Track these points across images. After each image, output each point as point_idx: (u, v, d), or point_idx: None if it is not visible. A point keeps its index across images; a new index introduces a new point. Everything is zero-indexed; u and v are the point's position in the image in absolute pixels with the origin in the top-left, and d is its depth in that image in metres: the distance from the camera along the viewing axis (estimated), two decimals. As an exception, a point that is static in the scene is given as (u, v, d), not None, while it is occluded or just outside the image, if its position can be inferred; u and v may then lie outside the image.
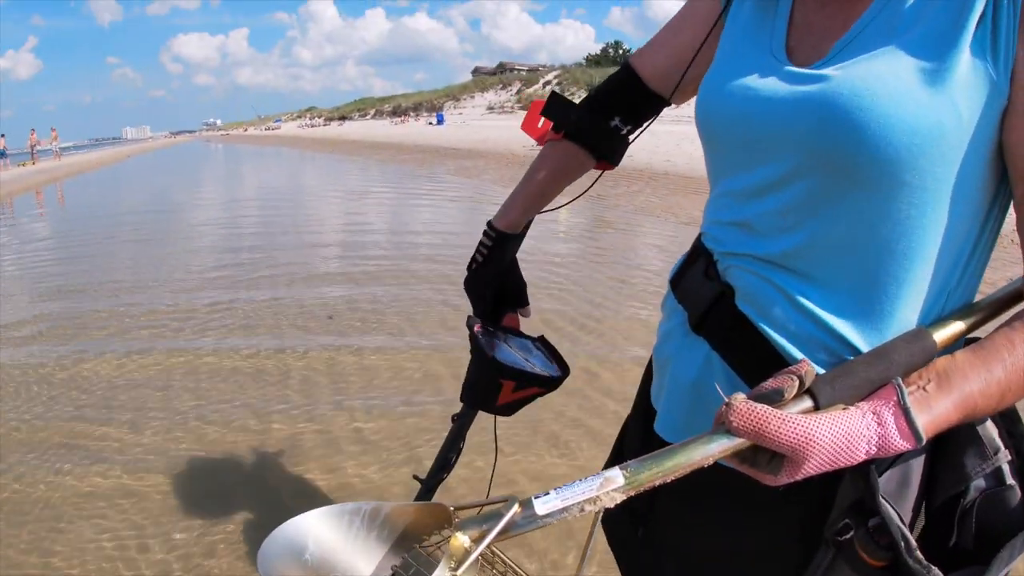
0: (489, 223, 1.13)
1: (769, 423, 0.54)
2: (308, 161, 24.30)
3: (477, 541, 0.54)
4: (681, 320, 0.82)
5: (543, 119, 1.09)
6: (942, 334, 0.65)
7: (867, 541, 0.62)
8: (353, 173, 18.25)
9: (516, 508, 0.55)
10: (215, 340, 4.11)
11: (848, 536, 0.63)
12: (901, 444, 0.57)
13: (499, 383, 1.04)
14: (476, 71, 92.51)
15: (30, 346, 4.14)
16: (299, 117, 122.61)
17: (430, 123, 50.31)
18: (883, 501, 0.61)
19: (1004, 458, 0.63)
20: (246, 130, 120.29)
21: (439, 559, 0.54)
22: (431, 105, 66.82)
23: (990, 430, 0.64)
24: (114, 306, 4.97)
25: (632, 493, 0.55)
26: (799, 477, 0.57)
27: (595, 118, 1.05)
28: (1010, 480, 0.63)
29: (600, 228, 8.40)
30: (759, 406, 0.55)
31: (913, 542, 0.61)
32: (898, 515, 0.61)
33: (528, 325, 1.21)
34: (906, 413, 0.57)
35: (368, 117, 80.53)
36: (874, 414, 0.57)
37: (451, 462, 1.32)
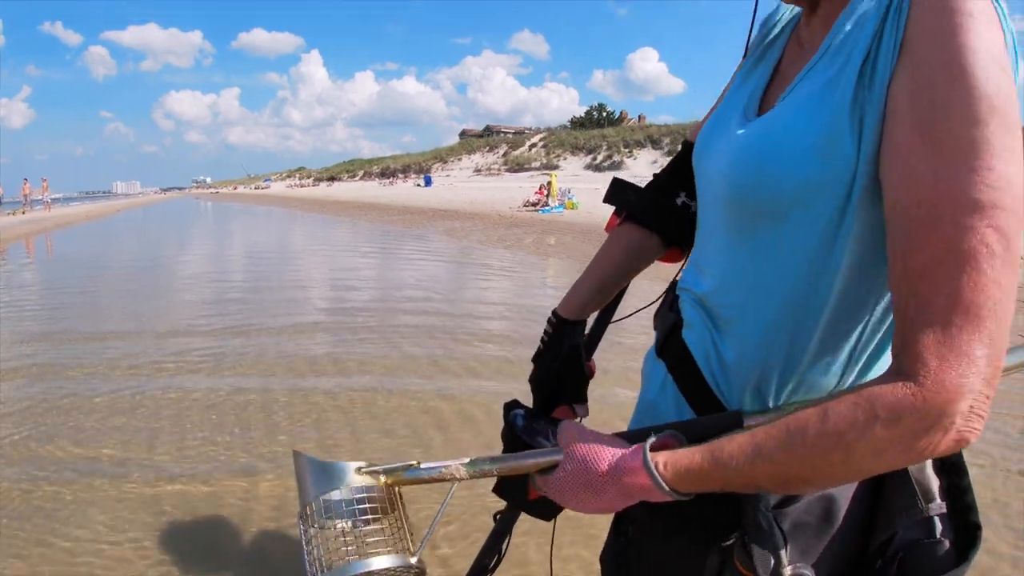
0: (553, 311, 1.08)
1: (567, 431, 0.73)
2: (297, 221, 24.44)
3: (380, 474, 0.80)
4: (654, 344, 0.91)
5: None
6: (753, 421, 0.68)
7: (741, 551, 0.67)
8: (342, 233, 18.37)
9: (413, 462, 0.81)
10: (207, 378, 4.10)
11: (729, 543, 0.68)
12: (634, 479, 0.66)
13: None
14: (463, 134, 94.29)
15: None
16: (288, 177, 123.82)
17: (418, 184, 50.94)
18: (762, 513, 0.65)
19: (937, 509, 0.66)
20: (235, 188, 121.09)
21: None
22: (419, 167, 67.75)
23: (929, 480, 0.67)
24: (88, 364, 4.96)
25: (476, 476, 0.77)
26: (558, 481, 0.71)
27: (657, 196, 1.02)
28: (939, 533, 0.66)
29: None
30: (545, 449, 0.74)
31: (784, 559, 0.65)
32: (781, 531, 0.66)
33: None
34: (643, 447, 0.66)
35: (357, 178, 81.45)
36: (628, 449, 0.68)
37: (489, 567, 1.12)
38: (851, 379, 0.70)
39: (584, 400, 1.06)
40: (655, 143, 44.70)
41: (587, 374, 1.04)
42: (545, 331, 1.07)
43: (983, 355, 0.55)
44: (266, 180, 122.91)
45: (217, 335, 5.67)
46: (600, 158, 46.76)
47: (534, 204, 22.68)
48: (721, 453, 0.62)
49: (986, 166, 0.55)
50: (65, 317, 6.56)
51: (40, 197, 39.34)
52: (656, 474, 0.63)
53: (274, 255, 13.26)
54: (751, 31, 0.88)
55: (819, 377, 0.70)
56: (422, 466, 0.80)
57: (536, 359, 1.07)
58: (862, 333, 0.68)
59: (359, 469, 0.80)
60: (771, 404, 0.72)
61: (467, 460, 0.78)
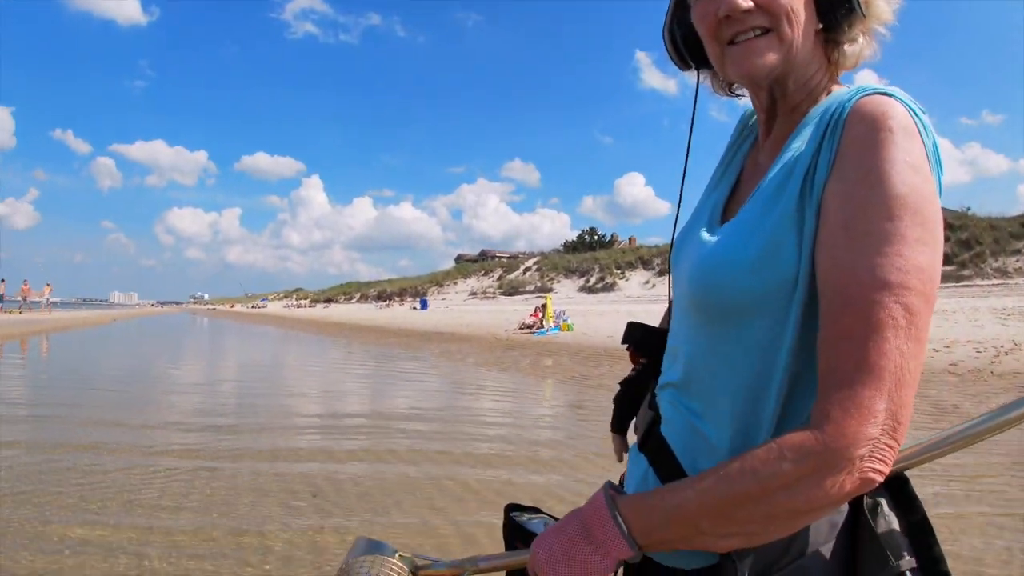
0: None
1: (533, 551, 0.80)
2: (294, 341, 24.47)
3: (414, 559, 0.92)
4: (636, 441, 0.98)
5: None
6: None
7: None
8: (339, 354, 18.37)
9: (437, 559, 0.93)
10: (190, 516, 4.03)
11: None
12: (595, 503, 0.77)
13: (517, 548, 1.00)
14: (459, 258, 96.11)
15: None
16: (285, 297, 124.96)
17: (414, 307, 51.48)
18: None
19: (907, 565, 0.73)
20: (232, 306, 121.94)
21: None
22: (415, 290, 68.60)
23: (898, 539, 0.74)
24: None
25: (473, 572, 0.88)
26: (534, 556, 0.78)
27: (657, 331, 1.08)
28: None
29: (583, 408, 8.49)
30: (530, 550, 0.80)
31: None
32: None
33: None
34: (604, 489, 0.77)
35: (354, 300, 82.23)
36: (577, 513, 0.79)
37: None
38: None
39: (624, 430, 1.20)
40: (646, 264, 45.61)
41: None
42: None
43: (882, 409, 0.66)
44: (263, 299, 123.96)
45: (210, 455, 5.60)
46: (593, 280, 47.53)
47: (529, 326, 22.88)
48: (670, 494, 0.74)
49: (896, 252, 0.67)
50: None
51: (39, 299, 39.68)
52: (611, 502, 0.76)
53: (273, 375, 13.22)
54: (691, 131, 1.01)
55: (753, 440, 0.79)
56: (446, 560, 0.91)
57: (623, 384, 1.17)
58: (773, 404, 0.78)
59: (399, 554, 0.91)
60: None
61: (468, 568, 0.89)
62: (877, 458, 0.66)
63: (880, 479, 0.67)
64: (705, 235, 0.86)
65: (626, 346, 1.17)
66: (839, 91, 0.82)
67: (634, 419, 1.12)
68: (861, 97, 0.73)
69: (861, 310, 0.67)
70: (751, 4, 0.78)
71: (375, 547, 0.93)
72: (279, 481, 4.97)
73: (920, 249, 0.68)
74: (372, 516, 4.15)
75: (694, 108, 0.98)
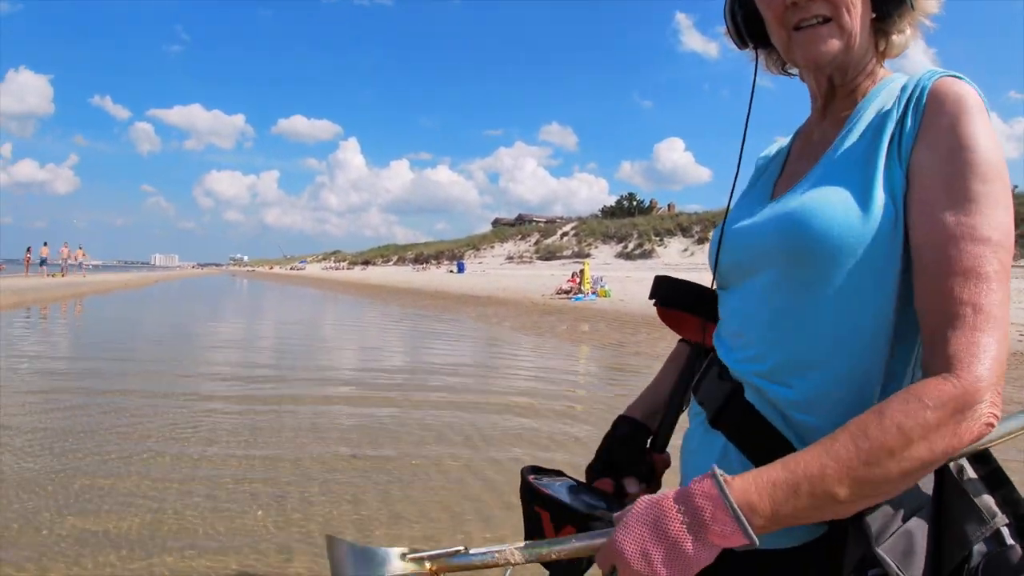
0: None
1: (613, 533, 0.72)
2: (334, 302, 24.82)
3: (425, 560, 0.77)
4: (700, 420, 0.95)
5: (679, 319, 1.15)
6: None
7: None
8: (379, 315, 18.60)
9: (461, 548, 0.77)
10: (233, 469, 4.14)
11: None
12: (700, 487, 0.69)
13: (536, 513, 0.97)
14: (496, 222, 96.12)
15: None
16: (324, 259, 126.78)
17: (451, 271, 51.82)
18: (879, 550, 0.71)
19: (1002, 521, 0.73)
20: (271, 268, 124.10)
21: None
22: (452, 254, 68.99)
23: (986, 499, 0.74)
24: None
25: (531, 560, 0.76)
26: (617, 544, 0.69)
27: (689, 283, 1.11)
28: (1010, 540, 0.73)
29: (620, 374, 8.49)
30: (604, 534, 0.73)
31: None
32: (895, 565, 0.71)
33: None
34: (712, 474, 0.69)
35: (391, 263, 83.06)
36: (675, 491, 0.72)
37: None
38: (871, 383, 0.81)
39: (643, 479, 1.06)
40: (685, 231, 45.15)
41: (648, 461, 1.07)
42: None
43: (998, 353, 0.70)
44: (302, 262, 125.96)
45: (245, 401, 5.75)
46: (631, 246, 47.24)
47: (567, 292, 22.86)
48: (794, 463, 0.69)
49: (991, 213, 0.75)
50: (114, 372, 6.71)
51: (76, 262, 41.06)
52: (724, 487, 0.68)
53: (323, 334, 13.45)
54: (740, 155, 1.03)
55: (854, 388, 0.80)
56: (472, 551, 0.76)
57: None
58: (914, 356, 0.81)
59: (403, 555, 0.77)
60: (825, 417, 0.80)
61: (522, 544, 0.76)
62: (995, 404, 0.69)
63: (994, 427, 0.70)
64: (771, 206, 0.90)
65: (653, 301, 1.16)
66: (894, 75, 0.90)
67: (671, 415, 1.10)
68: (939, 78, 0.81)
69: (968, 262, 0.73)
70: None
71: (367, 557, 0.78)
72: (321, 439, 5.07)
73: (1007, 212, 0.76)
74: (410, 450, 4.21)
75: (752, 88, 1.01)
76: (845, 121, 0.88)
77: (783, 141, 1.07)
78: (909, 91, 0.83)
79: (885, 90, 0.87)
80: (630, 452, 1.06)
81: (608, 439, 1.09)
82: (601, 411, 6.19)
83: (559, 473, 1.02)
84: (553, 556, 0.76)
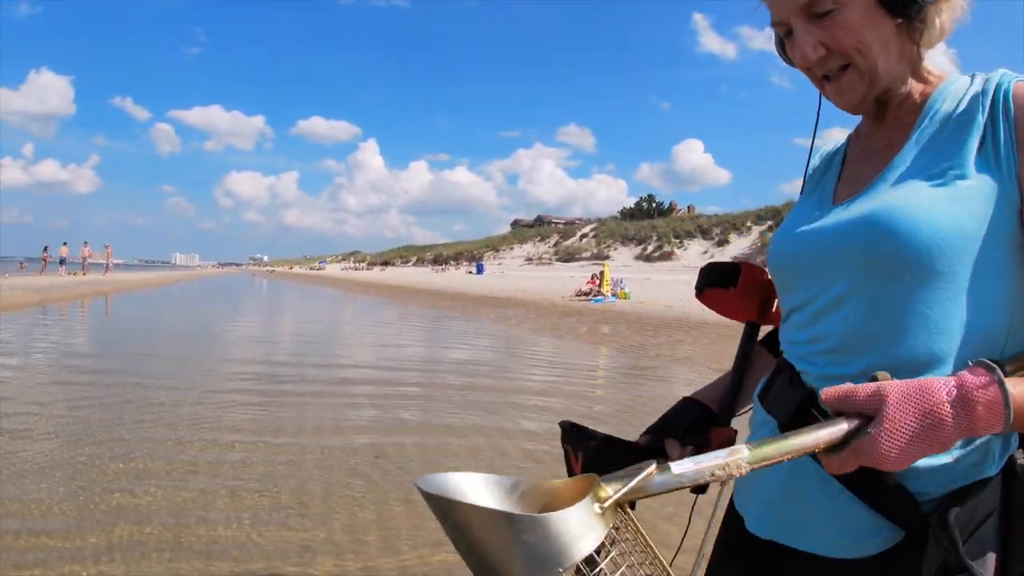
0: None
1: (849, 389, 0.68)
2: (354, 302, 24.95)
3: (618, 491, 0.60)
4: (771, 428, 0.93)
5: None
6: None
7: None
8: (398, 316, 18.67)
9: (653, 468, 0.62)
10: (253, 479, 4.17)
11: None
12: (975, 380, 0.65)
13: (566, 449, 1.06)
14: (515, 223, 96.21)
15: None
16: (343, 259, 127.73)
17: (470, 272, 51.93)
18: (965, 556, 0.70)
19: None
20: (291, 268, 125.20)
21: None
22: (471, 255, 69.18)
23: None
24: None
25: (757, 466, 0.64)
26: (888, 427, 0.64)
27: (730, 263, 1.13)
28: None
29: (638, 377, 8.45)
30: (842, 386, 0.69)
31: None
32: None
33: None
34: (979, 363, 0.67)
35: (410, 264, 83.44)
36: (952, 376, 0.67)
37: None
38: None
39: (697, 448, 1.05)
40: (705, 233, 44.92)
41: (705, 433, 1.06)
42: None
43: None
44: (321, 262, 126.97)
45: (264, 402, 5.80)
46: (650, 248, 47.08)
47: (586, 293, 22.84)
48: None
49: None
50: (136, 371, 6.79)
51: (100, 261, 41.65)
52: (1003, 382, 0.65)
53: (344, 335, 13.52)
54: (809, 159, 1.06)
55: None
56: (675, 470, 0.62)
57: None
58: (996, 348, 0.79)
59: (600, 502, 0.59)
60: None
61: (739, 446, 0.65)
62: None
63: None
64: (842, 210, 0.88)
65: (698, 290, 1.16)
66: (951, 75, 0.90)
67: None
68: (1017, 83, 0.81)
69: None
70: (823, 52, 0.85)
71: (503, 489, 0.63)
72: (345, 448, 5.09)
73: None
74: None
75: (818, 109, 0.99)
76: (911, 126, 0.88)
77: (835, 142, 1.05)
78: (990, 95, 0.82)
79: (950, 91, 0.87)
80: (688, 424, 1.06)
81: (666, 414, 1.10)
82: (620, 412, 6.16)
83: (576, 425, 1.08)
84: (783, 457, 0.65)
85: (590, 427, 1.07)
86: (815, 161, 1.06)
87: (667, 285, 24.89)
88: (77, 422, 5.30)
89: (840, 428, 0.67)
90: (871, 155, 0.93)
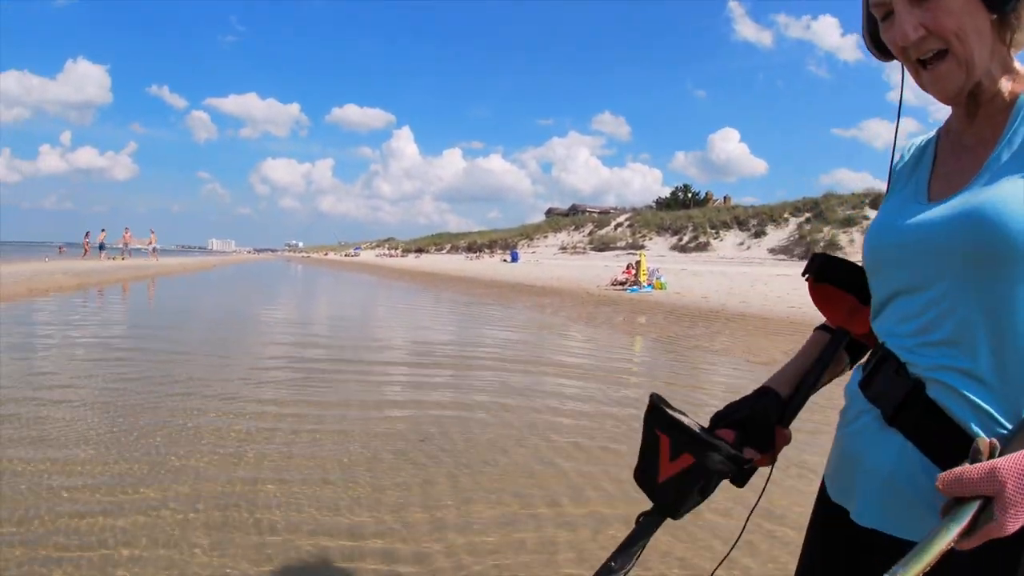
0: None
1: (963, 470, 0.73)
2: (390, 288, 25.11)
3: None
4: (872, 417, 0.95)
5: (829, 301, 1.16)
6: None
7: None
8: (434, 302, 18.81)
9: None
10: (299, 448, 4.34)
11: None
12: None
13: (656, 436, 1.03)
14: (550, 212, 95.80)
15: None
16: (377, 246, 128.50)
17: (504, 260, 51.96)
18: None
19: None
20: (327, 254, 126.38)
21: None
22: (505, 243, 69.12)
23: None
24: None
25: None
26: (1012, 511, 0.70)
27: (846, 261, 1.13)
28: None
29: (676, 368, 8.50)
30: (954, 470, 0.74)
31: None
32: None
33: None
34: None
35: (444, 251, 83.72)
36: None
37: (614, 569, 1.02)
38: None
39: (763, 450, 1.07)
40: (742, 224, 44.29)
41: (771, 434, 1.07)
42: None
43: None
44: (356, 248, 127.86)
45: (301, 387, 6.00)
46: (686, 239, 46.62)
47: (622, 283, 22.78)
48: None
49: None
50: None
51: (141, 247, 42.70)
52: None
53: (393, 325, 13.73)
54: (892, 157, 1.09)
55: None
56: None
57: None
58: None
59: None
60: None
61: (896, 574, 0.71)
62: None
63: None
64: (941, 206, 0.90)
65: (806, 276, 1.17)
66: None
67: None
68: None
69: None
70: (923, 32, 0.87)
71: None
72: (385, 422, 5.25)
73: None
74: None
75: (900, 99, 1.03)
76: (1003, 124, 0.89)
77: (925, 137, 1.07)
78: None
79: None
80: (762, 422, 1.07)
81: (747, 403, 1.09)
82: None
83: (683, 413, 1.04)
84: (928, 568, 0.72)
85: (679, 410, 1.03)
86: (904, 156, 1.08)
87: (704, 276, 24.70)
88: (130, 393, 5.54)
89: (967, 518, 0.72)
90: (965, 152, 0.95)
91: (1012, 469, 0.70)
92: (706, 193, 72.13)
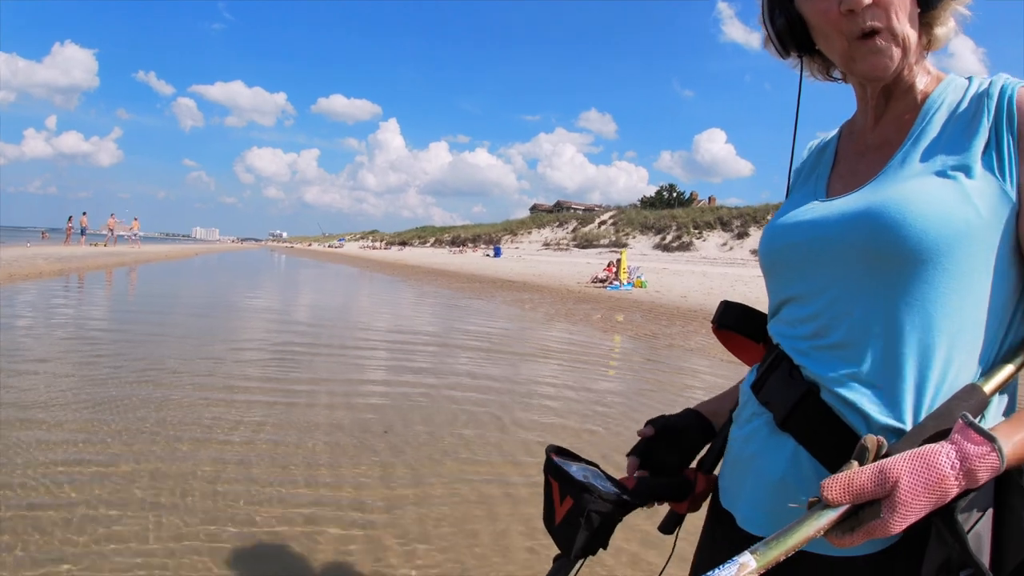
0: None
1: (851, 475, 0.68)
2: (371, 280, 25.05)
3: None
4: (764, 421, 0.92)
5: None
6: (991, 384, 0.79)
7: None
8: (417, 295, 18.75)
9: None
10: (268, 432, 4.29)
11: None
12: (977, 451, 0.67)
13: (549, 482, 1.05)
14: (534, 208, 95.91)
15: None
16: (362, 238, 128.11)
17: (487, 255, 51.93)
18: (974, 552, 0.71)
19: None
20: (310, 245, 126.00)
21: None
22: (489, 237, 69.07)
23: None
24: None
25: (762, 571, 0.67)
26: (901, 511, 0.66)
27: (754, 311, 1.10)
28: None
29: (651, 365, 8.50)
30: (841, 473, 0.69)
31: None
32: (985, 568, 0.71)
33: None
34: (972, 426, 0.68)
35: (428, 244, 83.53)
36: (948, 441, 0.68)
37: None
38: (979, 374, 0.81)
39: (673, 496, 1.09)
40: (725, 225, 44.52)
41: (682, 479, 1.08)
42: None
43: None
44: (340, 239, 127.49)
45: (283, 385, 5.94)
46: (669, 238, 46.80)
47: (602, 280, 22.81)
48: None
49: None
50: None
51: (124, 233, 42.26)
52: (1001, 447, 0.67)
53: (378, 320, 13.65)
54: (792, 157, 1.07)
55: (963, 381, 0.80)
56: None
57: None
58: (996, 341, 0.82)
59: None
60: (916, 419, 0.79)
61: (744, 559, 0.68)
62: None
63: None
64: (840, 203, 0.89)
65: (712, 323, 1.15)
66: (949, 75, 0.91)
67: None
68: (1021, 87, 0.83)
69: None
70: (870, 0, 0.83)
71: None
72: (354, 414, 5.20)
73: None
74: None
75: (798, 98, 1.02)
76: (911, 123, 0.89)
77: (824, 137, 1.06)
78: (994, 99, 0.84)
79: (949, 91, 0.89)
80: (671, 455, 1.09)
81: (662, 423, 1.11)
82: (625, 403, 6.23)
83: (577, 457, 1.08)
84: (790, 552, 0.69)
85: (581, 456, 1.07)
86: (802, 155, 1.07)
87: (684, 275, 24.78)
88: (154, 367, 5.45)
89: (838, 511, 0.69)
90: (868, 150, 0.94)
91: (902, 468, 0.68)
92: (691, 193, 72.54)
